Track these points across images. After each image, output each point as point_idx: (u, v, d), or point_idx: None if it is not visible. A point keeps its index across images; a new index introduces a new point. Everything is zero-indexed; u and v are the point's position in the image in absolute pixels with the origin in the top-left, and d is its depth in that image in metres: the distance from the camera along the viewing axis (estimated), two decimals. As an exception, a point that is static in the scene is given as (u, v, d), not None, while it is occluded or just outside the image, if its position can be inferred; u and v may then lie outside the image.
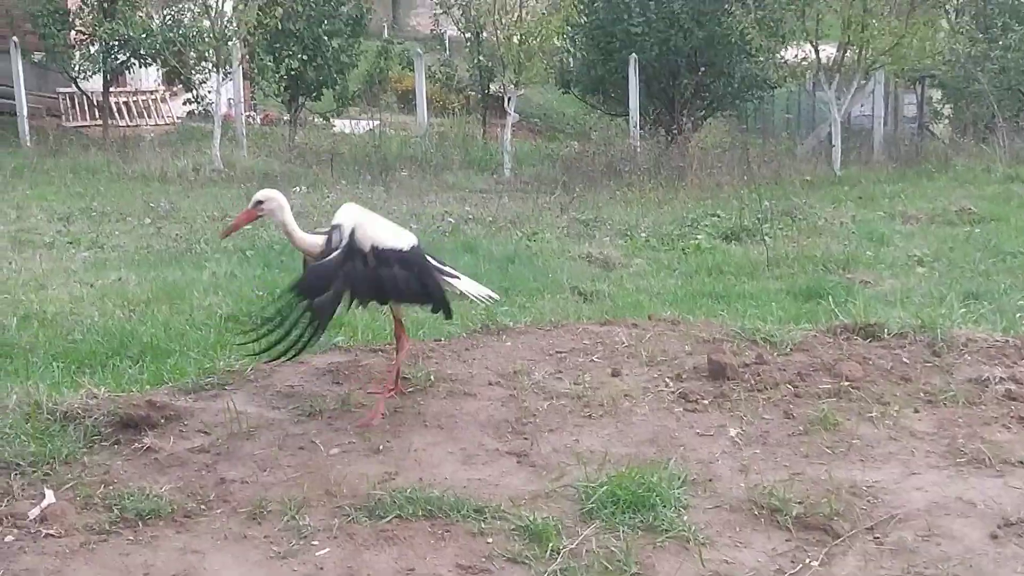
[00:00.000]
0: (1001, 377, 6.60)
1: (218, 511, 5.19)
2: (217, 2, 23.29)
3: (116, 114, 28.13)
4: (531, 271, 11.53)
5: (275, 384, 6.76)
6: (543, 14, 24.07)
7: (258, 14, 23.37)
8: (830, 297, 9.65)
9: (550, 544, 4.81)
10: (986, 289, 10.58)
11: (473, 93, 30.72)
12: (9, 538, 4.94)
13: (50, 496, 5.27)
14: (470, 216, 15.97)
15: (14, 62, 24.68)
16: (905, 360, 6.94)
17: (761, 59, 24.77)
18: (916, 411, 6.24)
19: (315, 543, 4.86)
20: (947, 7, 26.12)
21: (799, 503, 5.13)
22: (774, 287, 10.91)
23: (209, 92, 25.20)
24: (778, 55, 25.06)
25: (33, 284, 10.44)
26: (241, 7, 23.44)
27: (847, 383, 6.56)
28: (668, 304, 9.88)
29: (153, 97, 29.80)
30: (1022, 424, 6.04)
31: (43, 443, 5.77)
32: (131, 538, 4.95)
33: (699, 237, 14.10)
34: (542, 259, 12.40)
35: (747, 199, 15.99)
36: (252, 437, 5.97)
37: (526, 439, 5.96)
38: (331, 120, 29.98)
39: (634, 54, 24.49)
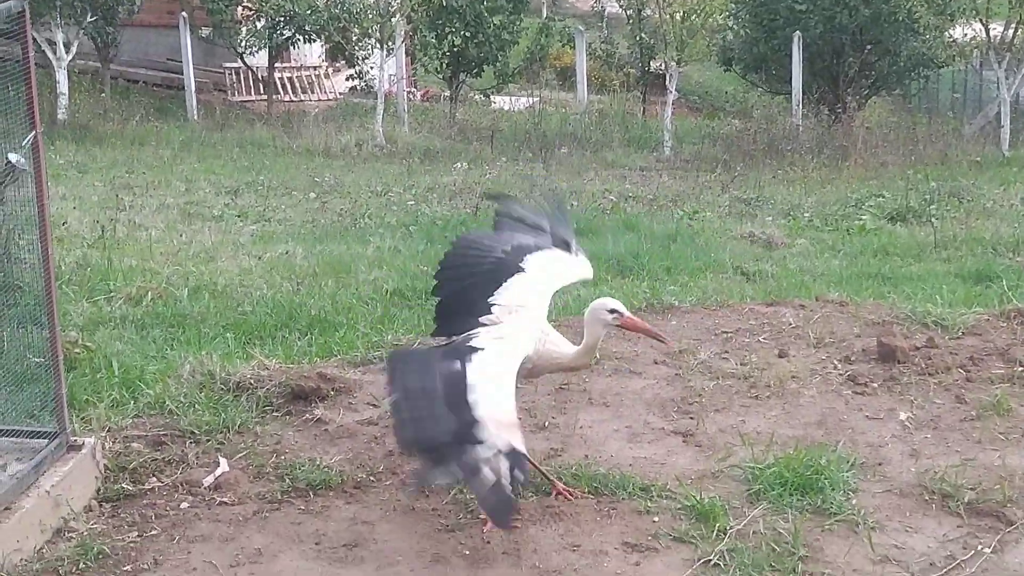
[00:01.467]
0: None
1: (387, 483, 5.27)
2: (381, -21, 23.51)
3: (280, 89, 28.50)
4: (693, 250, 11.45)
5: (443, 358, 6.82)
6: (706, -9, 23.87)
7: (422, -9, 23.54)
8: (1001, 280, 9.44)
9: (716, 524, 4.82)
10: None
11: (633, 71, 30.52)
12: (184, 505, 5.08)
13: (224, 465, 5.40)
14: (630, 194, 15.92)
15: (183, 37, 25.14)
16: (1084, 346, 6.79)
17: (928, 37, 24.23)
18: (1091, 398, 6.12)
19: (481, 517, 4.90)
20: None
21: (971, 489, 5.07)
22: (942, 269, 10.71)
23: (371, 68, 25.42)
24: (946, 33, 24.51)
25: (203, 256, 10.64)
26: (405, -16, 23.61)
27: (1021, 368, 6.44)
28: (833, 285, 9.74)
29: (317, 73, 30.12)
30: None
31: (217, 413, 5.91)
32: (302, 507, 5.05)
33: (864, 218, 13.88)
34: (704, 238, 12.31)
35: (913, 180, 15.70)
36: (420, 410, 6.03)
37: (692, 419, 5.95)
38: (491, 97, 30.06)
39: (798, 31, 24.13)
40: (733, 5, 25.13)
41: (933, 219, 13.25)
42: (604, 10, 32.21)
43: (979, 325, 7.22)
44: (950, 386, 6.27)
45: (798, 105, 23.91)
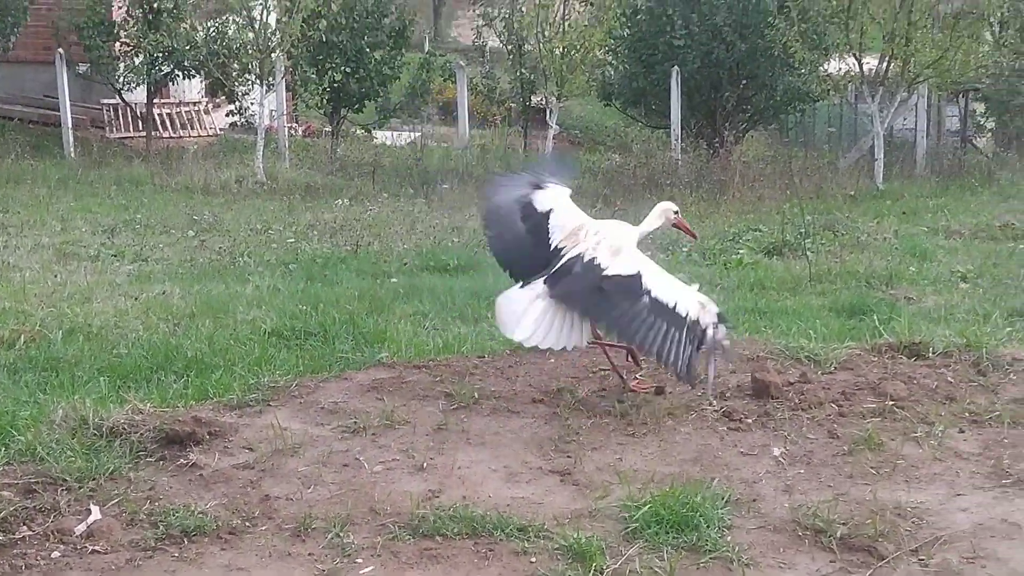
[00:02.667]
0: (1047, 397, 6.59)
1: (263, 528, 5.22)
2: (261, 14, 23.41)
3: (160, 126, 28.28)
4: (572, 286, 11.50)
5: (319, 400, 6.80)
6: (585, 26, 24.07)
7: (302, 26, 23.46)
8: (874, 314, 9.61)
9: (594, 564, 4.82)
10: (1030, 305, 10.52)
11: (514, 105, 30.70)
12: (56, 554, 4.98)
13: (96, 512, 5.31)
14: (512, 229, 15.93)
15: (59, 73, 24.84)
16: (950, 379, 6.92)
17: (803, 72, 24.70)
18: (961, 431, 6.24)
19: (359, 561, 4.89)
20: (991, 20, 25.96)
21: (843, 524, 5.13)
22: (817, 303, 10.86)
23: (252, 104, 25.33)
24: (821, 68, 25.00)
25: (78, 297, 10.49)
26: (285, 19, 23.53)
27: (891, 403, 6.55)
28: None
29: (196, 109, 29.94)
30: (1069, 445, 6.02)
31: (89, 459, 5.80)
32: (176, 555, 4.98)
33: (741, 252, 14.04)
34: (583, 274, 12.37)
35: (789, 213, 15.92)
36: (296, 454, 6.00)
37: (569, 457, 5.97)
38: (373, 132, 30.08)
39: (676, 66, 24.46)
40: (612, 41, 25.39)
41: (808, 252, 13.43)
42: (486, 45, 32.32)
43: (851, 360, 7.33)
44: (823, 421, 6.36)
45: (677, 139, 24.23)
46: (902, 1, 22.34)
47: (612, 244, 6.71)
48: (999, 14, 25.04)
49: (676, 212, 7.30)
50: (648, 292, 6.33)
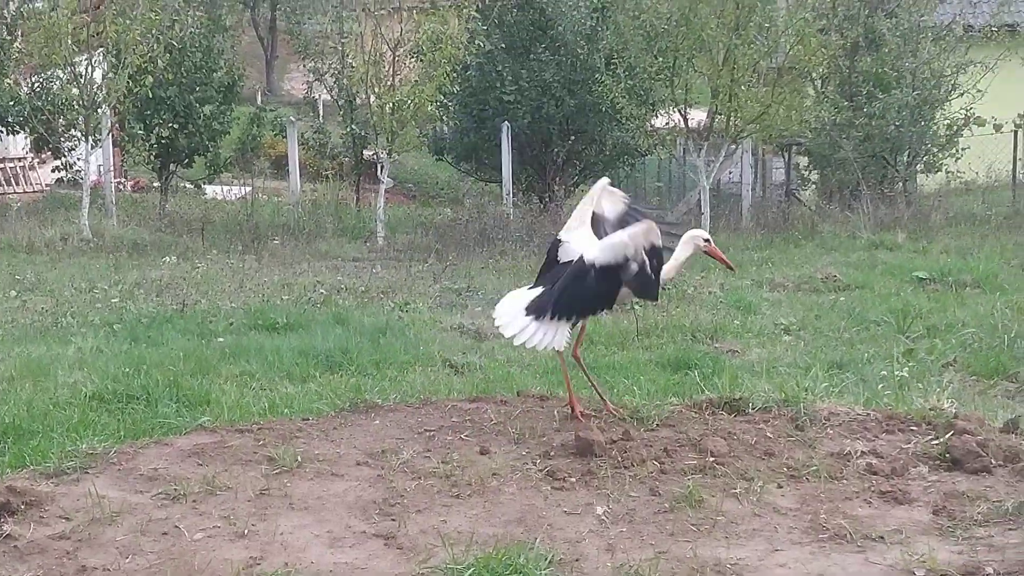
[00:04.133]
0: (862, 451, 6.72)
1: (78, 600, 5.10)
2: (86, 70, 23.08)
3: (-18, 182, 27.74)
4: (403, 343, 11.51)
5: (138, 467, 6.66)
6: (416, 81, 24.18)
7: (128, 82, 23.16)
8: (698, 369, 9.75)
9: (416, 629, 4.80)
10: (850, 359, 10.77)
11: (346, 159, 30.66)
12: None
13: (-97, 589, 5.15)
14: (342, 286, 15.92)
15: None
16: (769, 435, 7.03)
17: (631, 127, 25.10)
18: (779, 486, 6.33)
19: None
20: (813, 75, 26.65)
21: (665, 583, 5.17)
22: (644, 358, 11.00)
23: (78, 160, 24.92)
24: (648, 123, 25.43)
25: None
26: (111, 75, 23.22)
27: (712, 459, 6.62)
28: (539, 376, 9.92)
29: (21, 164, 29.39)
30: (882, 499, 6.14)
31: (-102, 533, 5.63)
32: (-12, 631, 4.85)
33: (571, 306, 14.12)
34: (414, 330, 12.39)
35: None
36: (114, 523, 5.87)
37: (393, 520, 5.93)
38: (203, 187, 29.79)
39: (506, 122, 24.69)
40: (443, 96, 25.53)
41: (636, 307, 13.58)
42: (317, 99, 32.29)
43: (674, 416, 7.41)
44: (645, 479, 6.41)
45: (509, 194, 24.40)
46: (724, 58, 22.82)
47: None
48: (820, 69, 25.69)
49: (707, 240, 7.38)
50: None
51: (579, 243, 7.29)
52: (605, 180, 7.97)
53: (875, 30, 25.83)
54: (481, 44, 25.22)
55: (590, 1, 25.51)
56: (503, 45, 25.49)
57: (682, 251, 7.28)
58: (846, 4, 26.14)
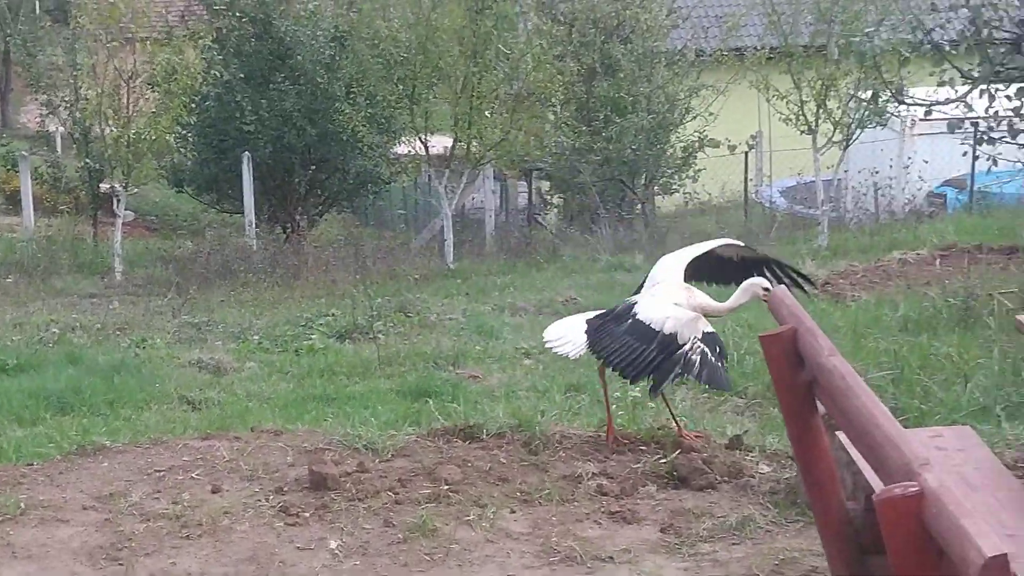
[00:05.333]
0: (593, 472, 6.83)
1: None
2: None
3: None
4: (138, 381, 11.23)
5: None
6: (153, 113, 23.72)
7: None
8: (439, 396, 9.77)
9: None
10: (587, 380, 10.86)
11: (83, 193, 29.86)
12: None
13: None
14: (77, 323, 15.46)
15: None
16: (503, 460, 7.08)
17: (374, 155, 25.11)
18: (512, 511, 6.39)
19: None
20: (552, 101, 27.01)
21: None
22: (385, 387, 10.97)
23: None
24: (390, 150, 25.48)
25: None
26: None
27: (447, 487, 6.65)
28: (279, 409, 9.82)
29: None
30: (612, 519, 6.26)
31: None
32: None
33: (313, 337, 14.02)
34: (151, 367, 12.09)
35: (361, 296, 16.02)
36: None
37: (121, 565, 5.80)
38: (-69, 226, 28.75)
39: (247, 152, 24.41)
40: (180, 128, 25.13)
41: (379, 335, 13.56)
42: (53, 132, 31.41)
43: (408, 446, 7.40)
44: (379, 510, 6.39)
45: (251, 225, 24.13)
46: (463, 86, 23.01)
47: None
48: (558, 95, 26.06)
49: (767, 290, 6.90)
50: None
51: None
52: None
53: (611, 56, 26.30)
54: (219, 74, 24.91)
55: (328, 30, 25.42)
56: (242, 75, 25.16)
57: (739, 298, 7.17)
58: (581, 31, 26.57)
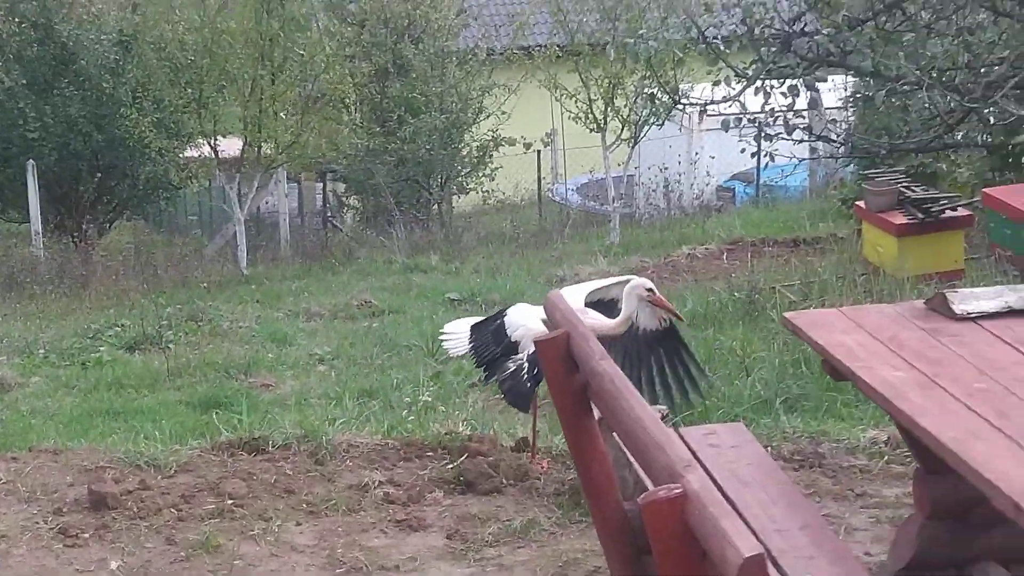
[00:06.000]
0: (380, 481, 6.81)
1: None
2: None
3: None
4: None
5: None
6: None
7: None
8: (228, 407, 9.66)
9: None
10: (380, 385, 10.84)
11: None
12: None
13: None
14: None
15: None
16: (288, 472, 7.02)
17: (163, 160, 24.74)
18: (298, 524, 6.34)
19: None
20: (346, 102, 26.86)
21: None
22: (174, 398, 10.82)
23: None
24: (179, 155, 25.13)
25: None
26: None
27: (231, 502, 6.56)
28: (63, 425, 9.62)
29: None
30: (398, 527, 6.26)
31: None
32: None
33: (101, 349, 13.73)
34: (-72, 387, 11.75)
35: (152, 305, 15.77)
36: None
37: None
38: None
39: (32, 160, 23.82)
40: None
41: (170, 345, 13.36)
42: None
43: (192, 461, 7.27)
44: (161, 528, 6.28)
45: (37, 235, 23.56)
46: (252, 89, 22.78)
47: None
48: (351, 96, 25.96)
49: (650, 290, 6.82)
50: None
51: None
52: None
53: (403, 56, 26.30)
54: (0, 80, 24.29)
55: (112, 35, 24.95)
56: (24, 81, 24.56)
57: (627, 307, 6.80)
58: (372, 31, 26.52)
